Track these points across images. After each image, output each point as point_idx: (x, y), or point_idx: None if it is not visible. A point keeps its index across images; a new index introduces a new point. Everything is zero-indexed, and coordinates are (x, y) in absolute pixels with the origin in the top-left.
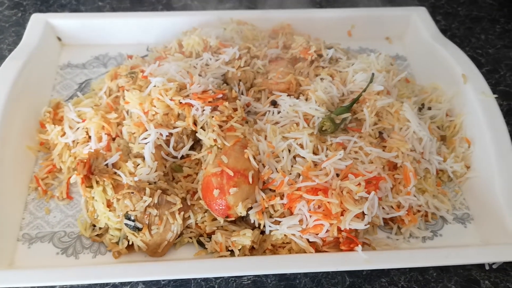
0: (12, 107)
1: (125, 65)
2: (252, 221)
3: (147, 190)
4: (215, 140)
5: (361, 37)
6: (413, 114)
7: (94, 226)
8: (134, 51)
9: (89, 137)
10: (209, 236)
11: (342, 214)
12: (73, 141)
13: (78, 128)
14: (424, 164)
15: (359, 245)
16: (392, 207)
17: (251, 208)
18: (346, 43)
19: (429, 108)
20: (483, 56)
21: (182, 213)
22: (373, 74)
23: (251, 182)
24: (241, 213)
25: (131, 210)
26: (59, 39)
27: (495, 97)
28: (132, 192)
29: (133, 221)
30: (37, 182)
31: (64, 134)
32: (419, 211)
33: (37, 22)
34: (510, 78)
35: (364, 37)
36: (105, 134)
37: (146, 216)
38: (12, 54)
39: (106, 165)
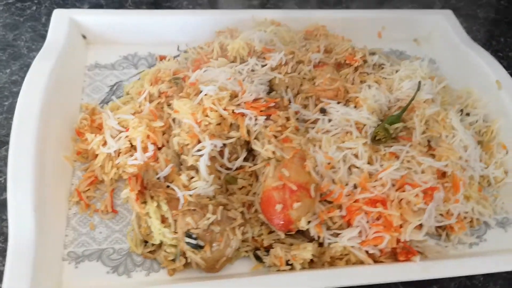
0: (47, 113)
1: (167, 69)
2: (312, 234)
3: (210, 207)
4: (273, 152)
5: (390, 39)
6: (459, 122)
7: (146, 242)
8: (163, 51)
9: (132, 146)
10: (266, 249)
11: (400, 226)
12: (115, 151)
13: (120, 137)
14: (469, 171)
15: (417, 256)
16: (442, 215)
17: (310, 221)
18: (376, 45)
19: (467, 114)
20: (504, 59)
21: (241, 228)
22: (420, 82)
23: (313, 196)
24: (303, 227)
25: (193, 228)
26: (84, 37)
27: None
28: (194, 209)
29: (195, 239)
30: (79, 196)
31: (105, 143)
32: (465, 217)
33: (60, 18)
34: None
35: (393, 38)
36: (151, 143)
37: (208, 233)
38: (41, 55)
39: (158, 178)
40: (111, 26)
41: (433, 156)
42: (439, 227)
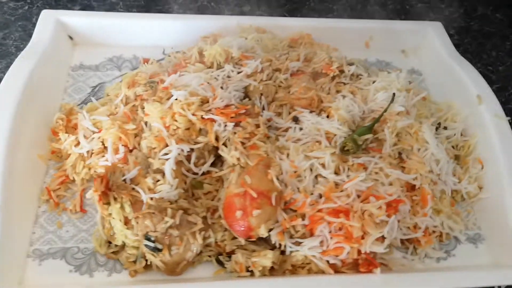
0: (23, 111)
1: (143, 72)
2: (273, 242)
3: (169, 211)
4: (238, 159)
5: (378, 49)
6: (432, 135)
7: (110, 242)
8: (149, 54)
9: (105, 147)
10: (229, 255)
11: (362, 237)
12: (88, 151)
13: (93, 138)
14: (440, 185)
15: (378, 268)
16: (409, 228)
17: (272, 228)
18: (363, 54)
19: (445, 128)
20: (493, 73)
21: (202, 232)
22: (394, 94)
23: (274, 204)
24: (263, 234)
25: (151, 231)
26: (71, 38)
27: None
28: (153, 212)
29: (153, 241)
30: (49, 194)
31: (78, 143)
32: (434, 231)
33: (48, 19)
34: None
35: (381, 49)
36: (122, 145)
37: (166, 237)
38: (23, 54)
39: (124, 180)
40: (98, 28)
41: (403, 168)
42: (407, 240)
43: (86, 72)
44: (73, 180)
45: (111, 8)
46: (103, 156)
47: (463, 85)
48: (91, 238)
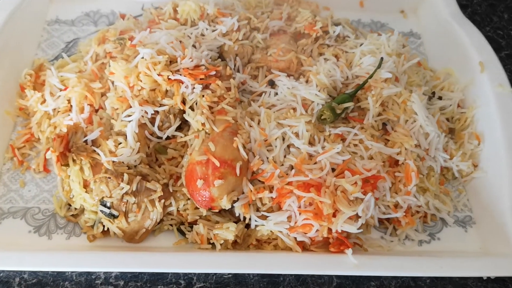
0: None
1: (114, 28)
2: (237, 214)
3: (125, 176)
4: (203, 124)
5: (374, 9)
6: (422, 106)
7: (70, 205)
8: (128, 9)
9: (71, 106)
10: (191, 224)
11: (334, 215)
12: (54, 109)
13: (59, 96)
14: (428, 161)
15: (350, 249)
16: (389, 206)
17: (237, 199)
18: (357, 15)
19: (440, 98)
20: (504, 38)
21: (162, 200)
22: (382, 59)
23: (238, 174)
24: (225, 206)
25: (107, 197)
26: None
27: None
28: (109, 177)
29: (109, 208)
30: (13, 152)
31: (44, 101)
32: (418, 212)
33: None
34: None
35: (377, 9)
36: (88, 105)
37: (123, 203)
38: None
39: (85, 141)
40: None
41: (387, 140)
42: (386, 219)
43: (61, 27)
44: (39, 139)
45: None
46: (69, 114)
47: (465, 50)
48: (53, 199)
